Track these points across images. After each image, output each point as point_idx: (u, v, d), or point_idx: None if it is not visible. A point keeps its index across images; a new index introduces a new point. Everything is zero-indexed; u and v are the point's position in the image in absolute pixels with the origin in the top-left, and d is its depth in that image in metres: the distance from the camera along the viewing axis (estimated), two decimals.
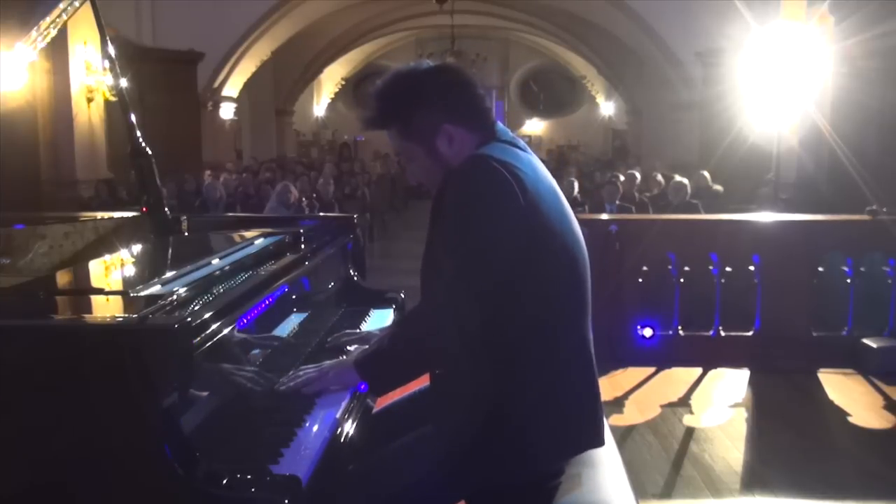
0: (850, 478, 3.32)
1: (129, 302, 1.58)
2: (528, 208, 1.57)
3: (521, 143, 1.75)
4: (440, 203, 1.65)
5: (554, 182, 1.73)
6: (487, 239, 1.56)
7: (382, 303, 2.67)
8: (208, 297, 1.61)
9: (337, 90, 24.07)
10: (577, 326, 1.69)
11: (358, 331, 2.25)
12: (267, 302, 1.84)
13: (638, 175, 8.95)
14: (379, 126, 1.75)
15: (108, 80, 7.99)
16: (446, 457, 1.66)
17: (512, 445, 1.63)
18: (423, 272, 1.73)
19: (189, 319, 1.39)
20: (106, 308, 1.62)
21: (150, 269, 2.24)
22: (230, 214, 6.38)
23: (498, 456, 1.63)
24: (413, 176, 1.80)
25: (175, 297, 1.55)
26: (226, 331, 1.56)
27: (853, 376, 4.61)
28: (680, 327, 4.95)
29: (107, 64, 2.97)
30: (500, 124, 1.75)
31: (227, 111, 13.96)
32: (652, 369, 4.70)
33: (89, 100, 9.37)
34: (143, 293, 1.60)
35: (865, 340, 4.77)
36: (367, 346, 1.97)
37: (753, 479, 3.31)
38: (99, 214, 3.21)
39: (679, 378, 4.60)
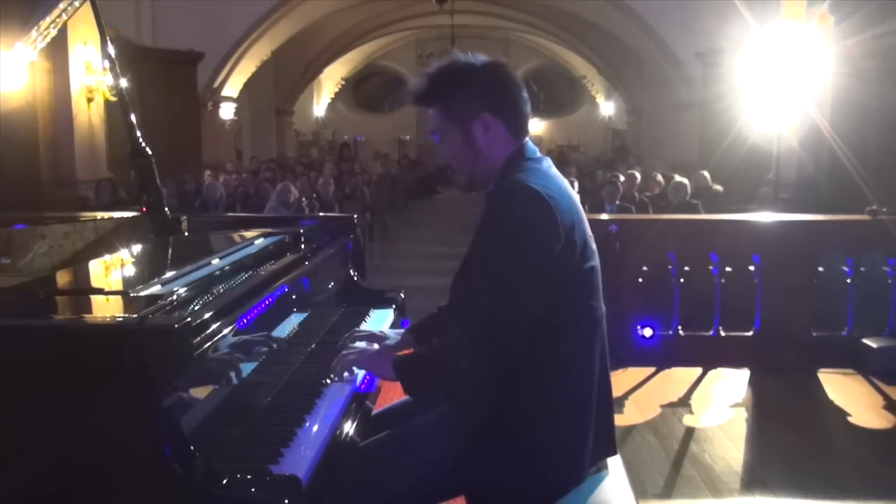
0: (850, 478, 3.32)
1: (129, 302, 1.58)
2: (565, 234, 1.61)
3: (547, 160, 1.79)
4: (484, 213, 1.69)
5: (574, 194, 1.76)
6: (530, 272, 1.59)
7: (382, 303, 2.67)
8: (208, 297, 1.61)
9: (337, 90, 24.07)
10: (593, 340, 1.71)
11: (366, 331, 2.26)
12: (267, 302, 1.84)
13: (638, 175, 8.94)
14: (425, 101, 1.80)
15: (108, 80, 7.99)
16: (448, 454, 1.67)
17: (527, 451, 1.64)
18: (457, 285, 1.78)
19: (189, 319, 1.39)
20: (106, 308, 1.62)
21: (150, 269, 2.24)
22: (230, 214, 6.38)
23: (511, 467, 1.64)
24: (442, 157, 1.83)
25: (175, 297, 1.55)
26: (226, 331, 1.56)
27: (853, 376, 4.61)
28: (680, 327, 4.94)
29: (107, 64, 2.97)
30: (529, 142, 1.80)
31: (227, 111, 13.95)
32: (652, 369, 4.70)
33: (89, 100, 9.36)
34: (143, 293, 1.60)
35: (865, 340, 4.77)
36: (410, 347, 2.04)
37: (753, 479, 3.31)
38: (99, 214, 3.20)
39: (679, 378, 4.60)
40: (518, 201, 1.62)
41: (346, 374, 1.91)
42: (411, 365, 1.76)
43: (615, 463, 1.82)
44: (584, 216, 1.74)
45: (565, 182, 1.75)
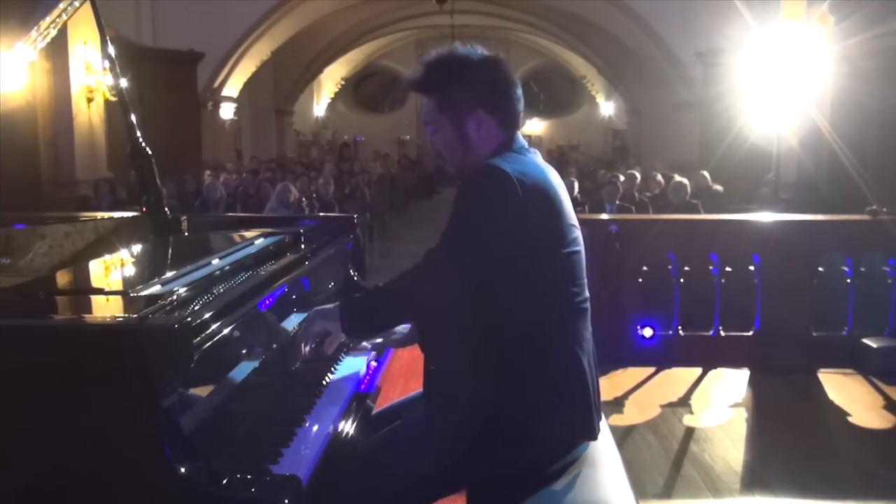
0: (850, 478, 3.32)
1: (129, 302, 1.58)
2: (528, 206, 1.65)
3: (533, 151, 1.83)
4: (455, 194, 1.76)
5: (559, 182, 1.79)
6: (478, 227, 1.65)
7: None
8: (208, 297, 1.61)
9: (337, 90, 24.08)
10: (572, 324, 1.74)
11: None
12: (267, 302, 1.84)
13: (638, 175, 8.95)
14: (422, 89, 1.83)
15: (108, 80, 7.99)
16: (445, 452, 1.68)
17: (503, 437, 1.67)
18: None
19: (189, 319, 1.39)
20: (106, 308, 1.62)
21: (150, 269, 2.24)
22: (230, 214, 6.38)
23: (492, 448, 1.67)
24: (434, 147, 1.87)
25: (175, 297, 1.55)
26: (226, 331, 1.56)
27: (853, 376, 4.61)
28: (680, 327, 4.94)
29: (107, 64, 2.97)
30: (519, 135, 1.84)
31: (227, 111, 13.96)
32: (652, 369, 4.70)
33: (89, 100, 9.36)
34: (143, 293, 1.60)
35: (865, 340, 4.77)
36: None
37: (753, 479, 3.31)
38: (99, 214, 3.20)
39: (679, 378, 4.60)
40: (480, 177, 1.68)
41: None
42: (354, 302, 1.86)
43: (615, 463, 1.82)
44: (568, 205, 1.78)
45: (550, 171, 1.79)
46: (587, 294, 1.78)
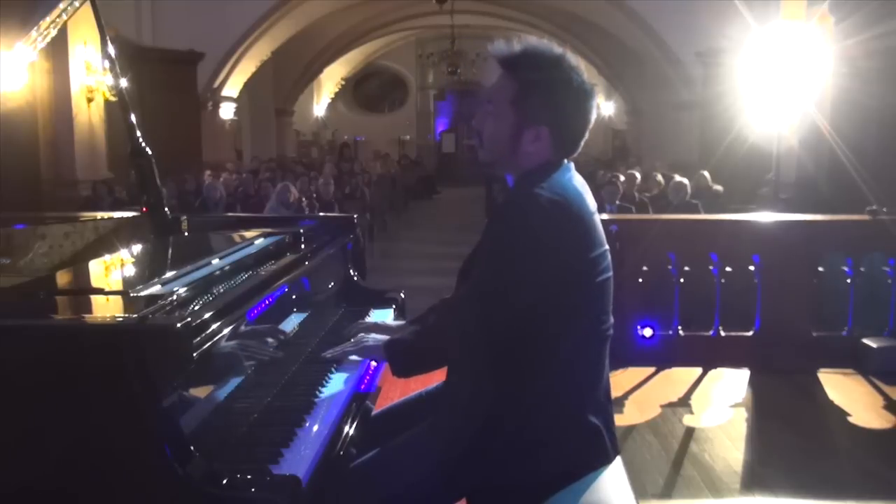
0: (850, 478, 3.33)
1: (129, 302, 1.58)
2: (566, 240, 1.63)
3: (571, 170, 1.76)
4: (491, 219, 1.72)
5: (594, 206, 1.75)
6: (516, 267, 1.60)
7: (382, 303, 2.67)
8: (208, 297, 1.62)
9: (337, 90, 24.05)
10: (594, 352, 1.73)
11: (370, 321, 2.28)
12: (267, 302, 1.84)
13: (638, 175, 8.95)
14: (508, 68, 1.72)
15: (108, 80, 7.99)
16: (446, 456, 1.67)
17: (512, 453, 1.65)
18: (460, 272, 1.81)
19: (189, 319, 1.39)
20: (106, 308, 1.62)
21: (150, 269, 2.24)
22: (230, 214, 6.38)
23: (499, 461, 1.66)
24: (478, 125, 1.78)
25: (175, 297, 1.55)
26: (226, 331, 1.56)
27: (853, 376, 4.61)
28: (680, 327, 4.94)
29: (107, 64, 2.97)
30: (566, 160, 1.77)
31: (227, 111, 13.94)
32: (652, 369, 4.70)
33: (89, 100, 9.36)
34: (143, 293, 1.60)
35: (865, 340, 4.77)
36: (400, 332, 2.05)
37: (753, 479, 3.31)
38: (99, 214, 3.20)
39: (679, 378, 4.60)
40: (520, 212, 1.63)
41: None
42: (400, 345, 1.84)
43: (616, 463, 1.81)
44: (600, 229, 1.73)
45: (586, 193, 1.73)
46: (612, 320, 1.74)
